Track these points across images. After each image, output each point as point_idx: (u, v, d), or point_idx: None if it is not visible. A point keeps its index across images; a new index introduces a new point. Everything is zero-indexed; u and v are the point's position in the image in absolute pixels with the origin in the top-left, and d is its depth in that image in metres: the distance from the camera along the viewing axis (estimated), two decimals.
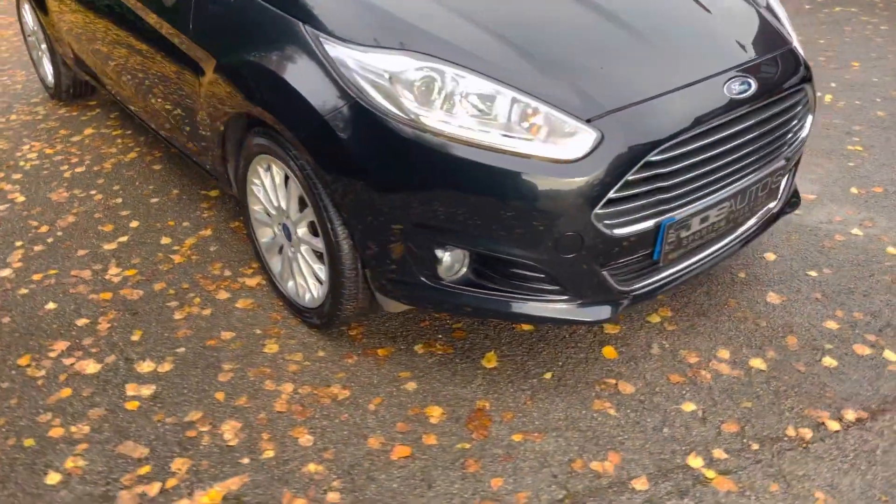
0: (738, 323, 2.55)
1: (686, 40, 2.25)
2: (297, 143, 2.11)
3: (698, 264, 2.30)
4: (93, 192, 3.48)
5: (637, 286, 2.18)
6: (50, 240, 3.11)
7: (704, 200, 2.13)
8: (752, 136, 2.18)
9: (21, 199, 3.45)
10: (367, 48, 2.00)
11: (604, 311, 2.15)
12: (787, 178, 2.58)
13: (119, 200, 3.40)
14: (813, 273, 2.79)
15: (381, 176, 2.00)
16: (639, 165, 1.94)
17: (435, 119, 1.92)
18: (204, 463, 2.04)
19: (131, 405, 2.24)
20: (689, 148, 2.03)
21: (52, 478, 2.01)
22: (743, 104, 2.12)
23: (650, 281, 2.20)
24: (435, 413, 2.19)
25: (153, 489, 1.96)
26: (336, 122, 2.01)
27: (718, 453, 2.07)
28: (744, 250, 2.93)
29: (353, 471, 2.01)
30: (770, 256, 2.90)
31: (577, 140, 1.93)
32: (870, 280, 2.75)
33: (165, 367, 2.38)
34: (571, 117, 1.93)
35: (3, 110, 4.53)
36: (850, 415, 2.18)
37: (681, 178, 2.05)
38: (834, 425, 2.15)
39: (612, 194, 1.95)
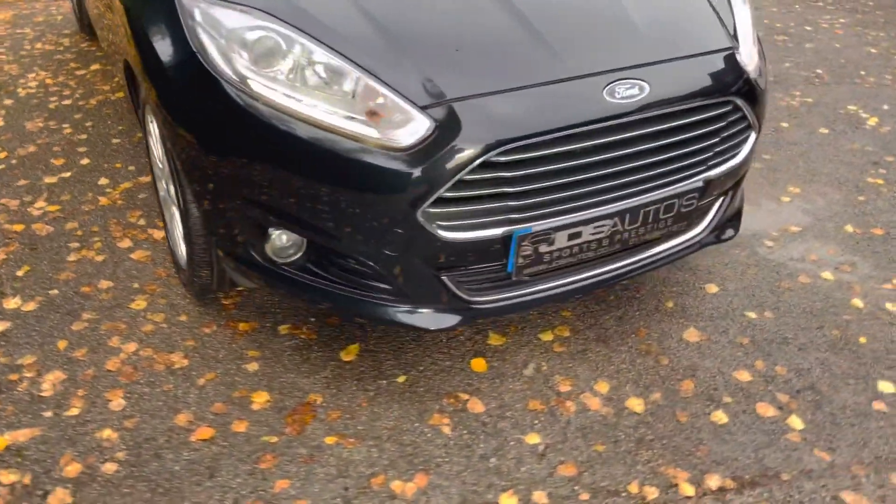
0: (636, 356, 2.28)
1: (581, 30, 1.97)
2: (153, 94, 2.01)
3: (575, 285, 2.05)
4: (65, 125, 3.53)
5: (487, 299, 1.96)
6: (1, 166, 3.17)
7: (572, 215, 1.88)
8: (641, 149, 1.90)
9: (0, 123, 3.55)
10: (214, 2, 1.86)
11: (446, 320, 1.95)
12: (721, 203, 2.27)
13: (84, 137, 3.43)
14: (751, 315, 2.46)
15: (211, 141, 1.87)
16: (475, 165, 1.72)
17: (262, 85, 1.76)
18: (9, 408, 2.00)
19: None
20: (544, 153, 1.78)
21: None
22: (629, 112, 1.84)
23: (505, 296, 1.97)
24: (260, 399, 2.07)
25: None
26: (179, 77, 1.90)
27: (539, 496, 1.84)
28: (685, 277, 2.62)
29: (145, 445, 1.92)
30: (711, 289, 2.58)
31: (410, 128, 1.73)
32: (814, 332, 2.39)
33: (30, 306, 2.37)
34: (407, 102, 1.73)
35: (35, 38, 4.69)
36: (713, 481, 1.90)
37: (534, 186, 1.80)
38: (688, 490, 1.88)
39: (443, 193, 1.73)
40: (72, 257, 2.60)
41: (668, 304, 2.50)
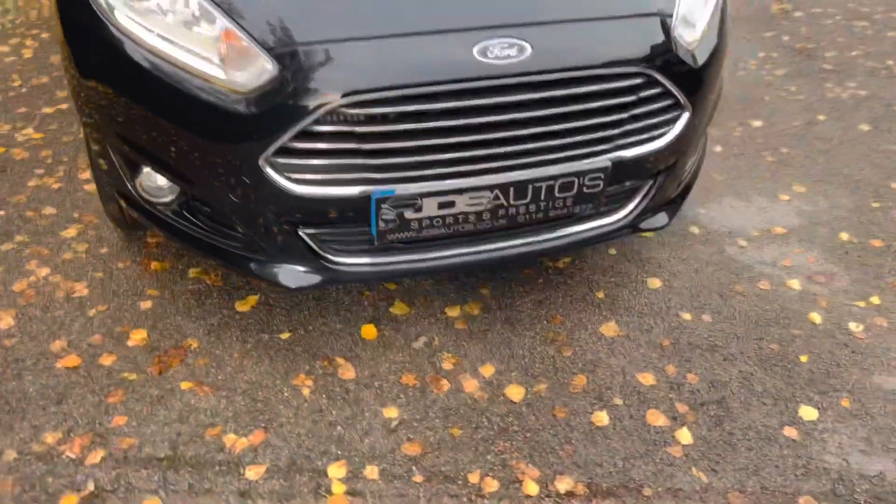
0: (539, 343, 2.12)
1: None
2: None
3: (453, 260, 1.92)
4: None
5: (350, 262, 1.87)
6: (11, 94, 3.35)
7: (442, 182, 1.75)
8: (525, 116, 1.74)
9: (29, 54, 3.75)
10: None
11: (306, 279, 1.88)
12: (650, 189, 2.06)
13: None
14: (686, 316, 2.24)
15: (84, 70, 1.86)
16: (320, 114, 1.62)
17: (126, 17, 1.73)
18: None
19: None
20: (402, 109, 1.65)
21: None
22: (504, 75, 1.68)
23: (370, 262, 1.87)
24: (137, 337, 2.08)
25: None
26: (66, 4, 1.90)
27: (370, 471, 1.76)
28: (630, 269, 2.41)
29: (13, 365, 1.98)
30: (653, 283, 2.36)
31: (255, 71, 1.65)
32: (750, 343, 2.15)
33: None
34: (255, 44, 1.65)
35: None
36: (562, 484, 1.75)
37: (393, 145, 1.69)
38: (531, 488, 1.74)
39: (288, 142, 1.65)
40: (32, 182, 2.71)
41: (599, 294, 2.31)
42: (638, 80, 1.82)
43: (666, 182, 2.08)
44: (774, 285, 2.36)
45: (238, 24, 1.67)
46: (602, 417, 1.91)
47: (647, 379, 2.03)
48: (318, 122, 1.64)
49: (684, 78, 1.91)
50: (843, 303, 2.30)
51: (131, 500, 1.66)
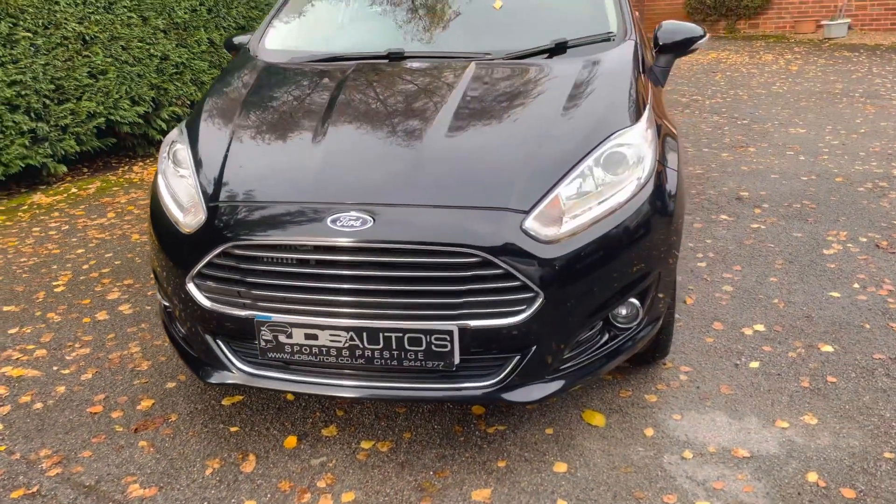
0: (410, 488, 2.32)
1: (353, 165, 2.33)
2: None
3: (322, 389, 2.30)
4: None
5: (245, 371, 2.36)
6: None
7: (306, 317, 2.20)
8: (369, 274, 2.13)
9: None
10: None
11: (219, 377, 2.42)
12: (514, 363, 2.22)
13: None
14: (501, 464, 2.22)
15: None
16: (220, 251, 2.23)
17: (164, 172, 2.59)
18: None
19: None
20: (274, 255, 2.19)
21: None
22: (348, 240, 2.12)
23: (259, 374, 2.35)
24: (147, 403, 2.79)
25: None
26: None
27: None
28: (547, 446, 2.46)
29: None
30: (560, 467, 2.38)
31: (197, 218, 2.34)
32: None
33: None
34: (202, 199, 2.36)
35: None
36: None
37: (269, 281, 2.22)
38: None
39: (201, 269, 2.29)
40: None
41: (501, 462, 2.42)
42: (472, 260, 2.10)
43: (536, 359, 2.21)
44: (679, 503, 2.21)
45: (202, 184, 2.40)
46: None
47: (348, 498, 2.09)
48: (219, 256, 2.25)
49: (533, 266, 2.12)
50: None
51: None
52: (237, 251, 2.23)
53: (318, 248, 2.17)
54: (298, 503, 2.29)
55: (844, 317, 3.26)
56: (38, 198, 5.56)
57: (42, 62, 5.45)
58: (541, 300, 2.14)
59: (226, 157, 2.48)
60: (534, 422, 2.61)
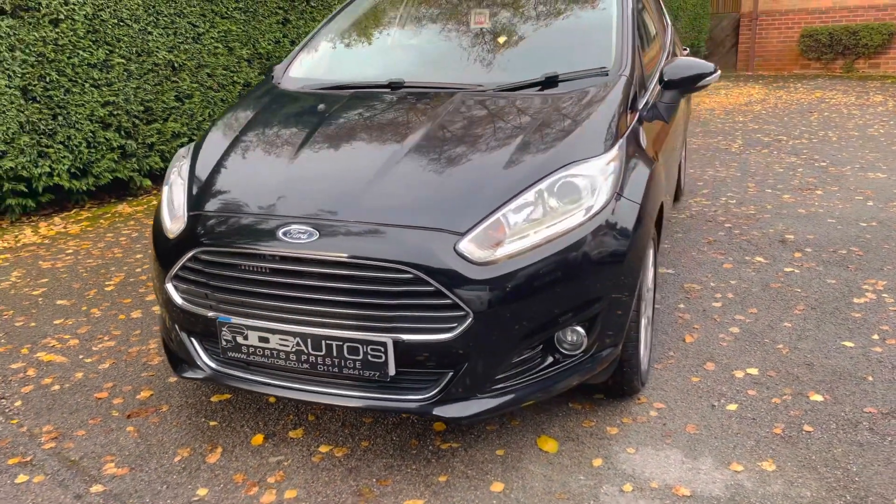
0: (348, 493, 2.44)
1: (305, 184, 2.54)
2: None
3: (274, 388, 2.47)
4: None
5: (213, 368, 2.57)
6: None
7: (262, 321, 2.38)
8: (314, 284, 2.29)
9: None
10: None
11: (192, 373, 2.64)
12: (448, 379, 2.30)
13: None
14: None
15: None
16: (190, 255, 2.46)
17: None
18: None
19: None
20: (230, 262, 2.39)
21: None
22: (296, 251, 2.29)
23: (223, 371, 2.55)
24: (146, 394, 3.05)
25: None
26: None
27: None
28: (493, 469, 2.52)
29: None
30: (497, 486, 2.43)
31: (179, 224, 2.59)
32: None
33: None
34: (186, 204, 2.60)
35: None
36: None
37: (224, 285, 2.42)
38: None
39: (177, 272, 2.52)
40: None
41: (442, 477, 2.50)
42: (405, 276, 2.22)
43: (468, 376, 2.29)
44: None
45: (187, 191, 2.65)
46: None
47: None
48: (190, 260, 2.48)
49: (464, 286, 2.21)
50: None
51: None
52: (204, 256, 2.45)
53: (267, 257, 2.35)
54: (245, 495, 2.45)
55: (849, 367, 3.11)
56: (122, 208, 6.11)
57: (133, 86, 6.03)
58: (470, 319, 2.23)
59: (213, 171, 2.73)
60: (489, 442, 2.67)
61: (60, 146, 5.63)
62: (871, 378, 3.02)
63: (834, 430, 2.68)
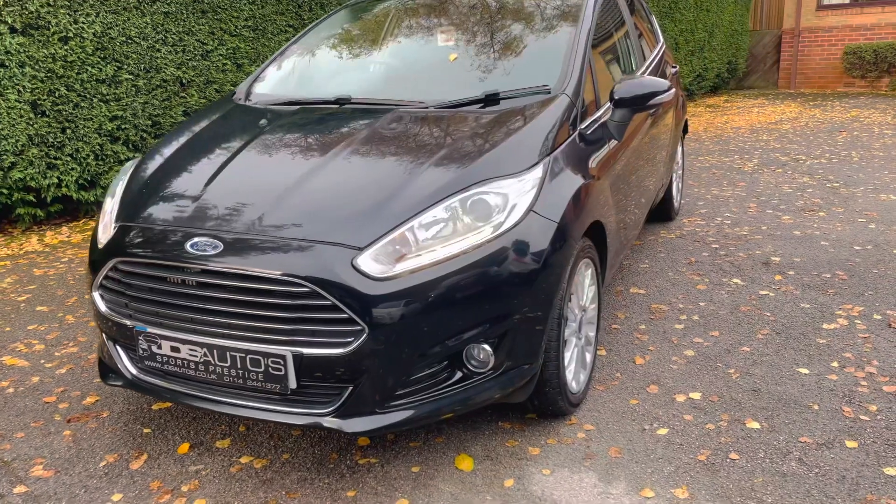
0: (253, 500, 2.46)
1: (234, 194, 2.58)
2: None
3: (186, 398, 2.52)
4: None
5: (131, 374, 2.63)
6: None
7: (173, 332, 2.44)
8: (218, 296, 2.34)
9: None
10: None
11: (114, 379, 2.71)
12: (347, 393, 2.31)
13: None
14: None
15: None
16: (111, 265, 2.54)
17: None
18: None
19: None
20: (143, 272, 2.46)
21: None
22: (199, 263, 2.34)
23: (140, 378, 2.61)
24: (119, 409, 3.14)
25: None
26: None
27: None
28: (403, 485, 2.51)
29: None
30: (402, 502, 2.42)
31: (107, 234, 2.67)
32: None
33: None
34: (115, 215, 2.68)
35: None
36: None
37: (139, 295, 2.49)
38: None
39: (101, 280, 2.60)
40: None
41: (350, 493, 2.49)
42: (301, 290, 2.24)
43: (366, 390, 2.30)
44: None
45: (119, 202, 2.74)
46: None
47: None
48: (111, 269, 2.56)
49: (360, 301, 2.22)
50: None
51: None
52: (122, 266, 2.52)
53: (174, 268, 2.41)
54: (157, 502, 2.50)
55: (796, 394, 3.01)
56: None
57: (142, 101, 6.24)
58: (366, 334, 2.24)
59: (145, 183, 2.81)
60: (407, 458, 2.67)
61: (69, 158, 5.85)
62: (816, 406, 2.92)
63: (760, 459, 2.60)
